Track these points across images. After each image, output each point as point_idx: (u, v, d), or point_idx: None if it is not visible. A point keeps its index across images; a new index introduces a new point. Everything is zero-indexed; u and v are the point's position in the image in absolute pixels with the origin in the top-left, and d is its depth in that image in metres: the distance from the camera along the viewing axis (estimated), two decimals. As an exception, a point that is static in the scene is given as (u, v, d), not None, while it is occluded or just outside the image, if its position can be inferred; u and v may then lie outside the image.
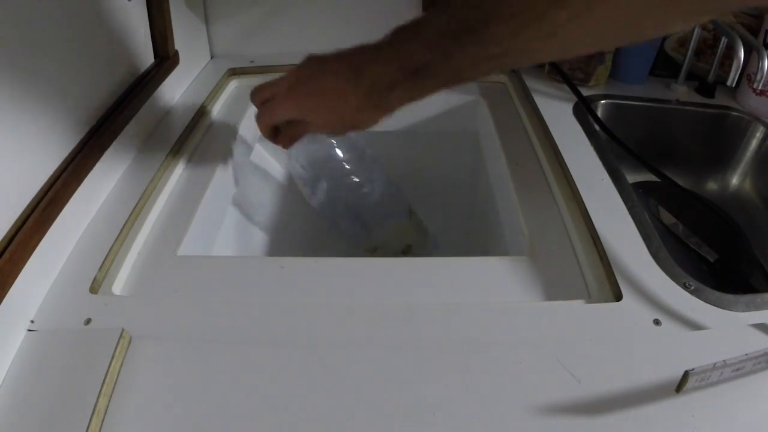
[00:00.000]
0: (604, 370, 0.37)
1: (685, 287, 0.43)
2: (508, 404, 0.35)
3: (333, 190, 0.66)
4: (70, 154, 0.49)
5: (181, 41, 0.71)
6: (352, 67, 0.37)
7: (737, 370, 0.35)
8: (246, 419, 0.34)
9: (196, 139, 0.65)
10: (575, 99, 0.69)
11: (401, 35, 0.36)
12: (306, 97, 0.40)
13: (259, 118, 0.43)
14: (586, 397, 0.35)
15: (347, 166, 0.67)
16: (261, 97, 0.44)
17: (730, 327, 0.40)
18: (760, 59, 0.62)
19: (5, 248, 0.39)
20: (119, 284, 0.45)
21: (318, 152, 0.67)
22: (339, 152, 0.67)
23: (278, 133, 0.43)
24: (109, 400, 0.35)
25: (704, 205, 0.62)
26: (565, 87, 0.70)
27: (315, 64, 0.40)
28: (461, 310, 0.42)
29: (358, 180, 0.66)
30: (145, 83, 0.63)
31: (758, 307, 0.41)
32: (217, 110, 0.72)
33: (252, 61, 0.81)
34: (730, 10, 0.27)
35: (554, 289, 0.44)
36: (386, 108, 0.38)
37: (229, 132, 0.68)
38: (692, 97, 0.77)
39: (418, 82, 0.36)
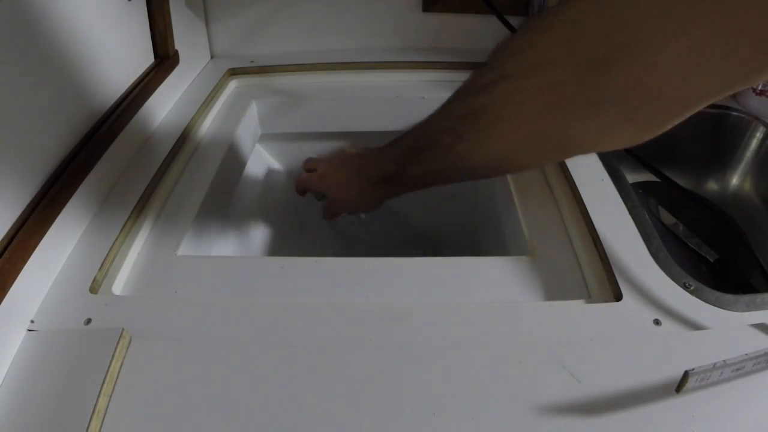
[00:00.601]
0: (604, 370, 0.37)
1: (685, 287, 0.43)
2: (508, 404, 0.35)
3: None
4: (71, 152, 0.49)
5: (181, 41, 0.71)
6: (359, 166, 0.51)
7: (737, 370, 0.35)
8: (246, 419, 0.34)
9: (196, 139, 0.65)
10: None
11: (385, 148, 0.47)
12: (329, 181, 0.55)
13: (299, 180, 0.58)
14: (586, 397, 0.35)
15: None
16: (307, 166, 0.58)
17: (730, 327, 0.40)
18: (760, 59, 0.62)
19: (5, 248, 0.39)
20: (119, 284, 0.45)
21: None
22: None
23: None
24: (109, 400, 0.35)
25: (704, 205, 0.62)
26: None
27: (341, 157, 0.54)
28: (461, 310, 0.42)
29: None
30: (145, 83, 0.63)
31: (758, 307, 0.41)
32: (217, 110, 0.72)
33: (252, 61, 0.81)
34: (590, 152, 0.34)
35: (554, 289, 0.44)
36: (377, 198, 0.51)
37: (228, 132, 0.68)
38: (692, 96, 0.76)
39: (390, 185, 0.47)
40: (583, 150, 0.35)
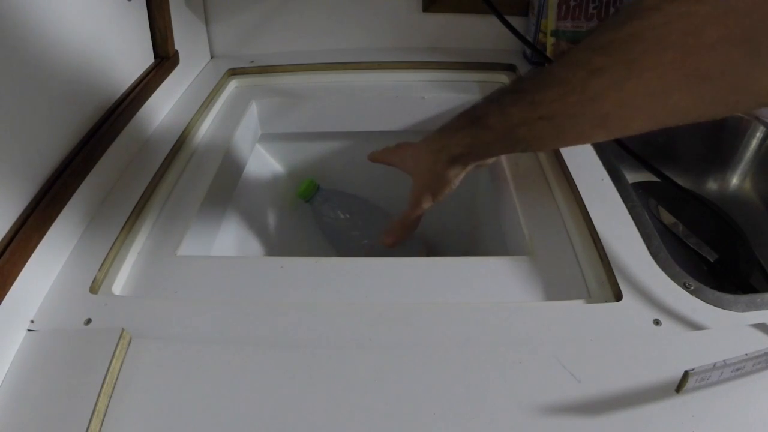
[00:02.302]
0: (604, 370, 0.37)
1: (685, 287, 0.43)
2: (508, 404, 0.35)
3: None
4: (71, 152, 0.49)
5: (181, 41, 0.71)
6: (434, 139, 0.50)
7: (737, 370, 0.35)
8: (246, 419, 0.34)
9: (195, 139, 0.65)
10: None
11: (478, 103, 0.45)
12: (409, 158, 0.54)
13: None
14: (586, 397, 0.35)
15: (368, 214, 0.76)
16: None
17: (730, 327, 0.40)
18: (760, 59, 0.62)
19: (5, 248, 0.39)
20: (119, 284, 0.45)
21: (343, 200, 0.76)
22: (358, 204, 0.77)
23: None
24: (109, 400, 0.35)
25: (704, 205, 0.62)
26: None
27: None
28: (461, 310, 0.42)
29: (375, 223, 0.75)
30: (145, 83, 0.63)
31: (758, 307, 0.41)
32: (216, 110, 0.72)
33: (252, 61, 0.81)
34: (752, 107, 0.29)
35: (554, 289, 0.44)
36: (447, 153, 0.48)
37: (228, 132, 0.68)
38: (693, 96, 0.76)
39: (477, 129, 0.44)
40: (755, 103, 0.30)
